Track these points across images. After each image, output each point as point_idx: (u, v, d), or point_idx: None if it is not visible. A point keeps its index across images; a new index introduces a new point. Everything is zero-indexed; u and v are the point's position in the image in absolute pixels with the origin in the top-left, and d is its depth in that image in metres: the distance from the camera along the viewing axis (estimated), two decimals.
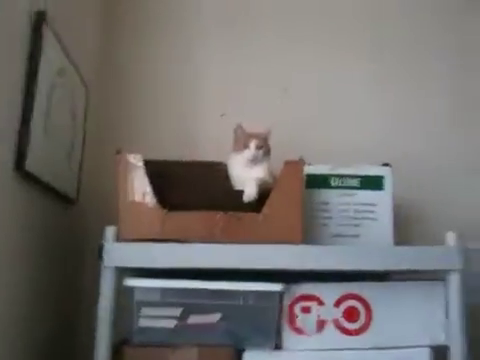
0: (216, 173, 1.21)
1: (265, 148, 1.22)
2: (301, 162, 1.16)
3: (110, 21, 1.66)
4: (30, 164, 1.07)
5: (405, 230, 1.41)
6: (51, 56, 1.17)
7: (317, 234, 1.24)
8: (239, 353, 1.06)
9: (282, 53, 1.68)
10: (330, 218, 1.27)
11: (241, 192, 1.13)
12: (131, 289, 1.04)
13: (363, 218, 1.27)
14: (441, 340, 1.08)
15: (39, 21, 1.11)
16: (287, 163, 1.14)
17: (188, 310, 1.05)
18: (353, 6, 1.72)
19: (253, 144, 1.20)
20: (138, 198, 1.10)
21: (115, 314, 1.03)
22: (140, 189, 1.10)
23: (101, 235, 1.06)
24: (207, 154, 1.45)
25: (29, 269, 1.12)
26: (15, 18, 1.04)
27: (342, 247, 1.13)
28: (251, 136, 1.22)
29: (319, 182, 1.29)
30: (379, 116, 1.65)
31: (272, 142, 1.25)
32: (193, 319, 1.04)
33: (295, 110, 1.63)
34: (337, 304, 1.09)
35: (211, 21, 1.69)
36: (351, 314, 1.09)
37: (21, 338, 1.08)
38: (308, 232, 1.18)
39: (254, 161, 1.20)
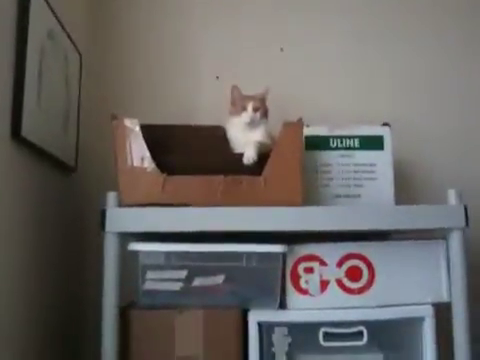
0: (214, 137, 1.20)
1: (262, 110, 1.21)
2: (300, 123, 1.14)
3: None
4: (26, 132, 1.05)
5: (406, 189, 1.41)
6: (40, 17, 1.13)
7: (318, 195, 1.24)
8: (244, 314, 1.07)
9: (278, 14, 1.64)
10: (331, 179, 1.27)
11: (241, 155, 1.12)
12: (136, 253, 1.04)
13: (364, 178, 1.27)
14: (444, 297, 1.10)
15: None
16: (286, 125, 1.12)
17: (193, 272, 1.05)
18: None
19: (250, 106, 1.19)
20: (137, 163, 1.09)
21: (120, 279, 1.03)
22: (138, 154, 1.09)
23: (101, 201, 1.05)
24: (204, 118, 1.45)
25: (30, 238, 1.12)
26: None
27: (342, 208, 1.12)
28: (248, 98, 1.21)
29: (318, 143, 1.29)
30: (378, 76, 1.62)
31: (270, 103, 1.24)
32: (198, 281, 1.05)
33: (292, 70, 1.60)
34: (339, 264, 1.10)
35: None
36: (354, 273, 1.10)
37: (24, 307, 1.08)
38: (309, 193, 1.19)
39: (252, 123, 1.19)
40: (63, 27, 1.29)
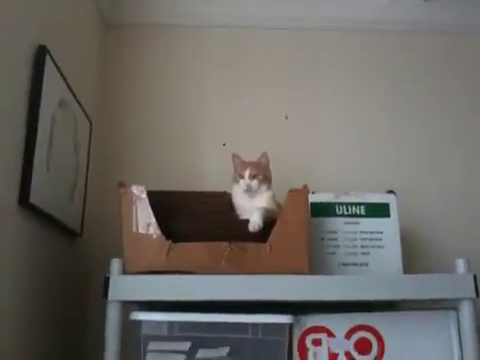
0: (220, 203, 1.20)
1: (261, 176, 1.20)
2: (305, 190, 1.15)
3: (110, 56, 1.68)
4: (34, 198, 1.06)
5: (413, 257, 1.38)
6: (52, 87, 1.17)
7: (325, 263, 1.22)
8: None
9: (283, 82, 1.69)
10: (337, 246, 1.26)
11: (246, 222, 1.12)
12: (138, 323, 1.01)
13: (371, 246, 1.26)
14: None
15: (41, 54, 1.12)
16: (291, 192, 1.13)
17: (196, 344, 1.02)
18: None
19: (247, 173, 1.20)
20: (142, 229, 1.09)
21: (122, 349, 1.00)
22: (144, 220, 1.09)
23: (106, 268, 1.04)
24: (210, 185, 1.46)
25: (34, 303, 1.11)
26: (17, 51, 1.05)
27: (350, 277, 1.10)
28: (245, 165, 1.22)
29: (324, 210, 1.28)
30: (383, 142, 1.65)
31: (275, 170, 1.25)
32: (202, 353, 1.01)
33: (297, 137, 1.63)
34: (348, 336, 1.07)
35: (212, 56, 1.71)
36: (363, 346, 1.06)
37: None
38: (315, 261, 1.17)
39: (249, 190, 1.19)
40: (74, 95, 1.33)
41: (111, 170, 1.56)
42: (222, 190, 1.22)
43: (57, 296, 1.24)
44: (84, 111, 1.41)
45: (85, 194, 1.43)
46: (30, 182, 1.05)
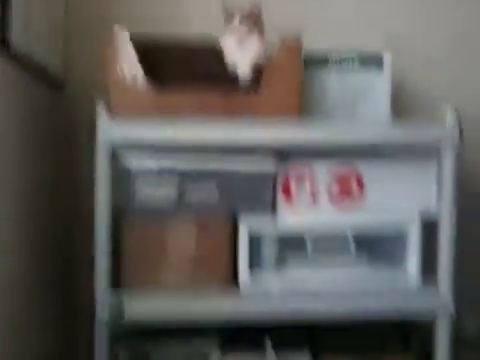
0: (210, 51, 1.17)
1: (252, 23, 1.14)
2: (299, 43, 1.11)
3: None
4: (15, 41, 1.02)
5: (404, 110, 1.39)
6: None
7: (314, 114, 1.22)
8: (236, 224, 1.09)
9: None
10: (328, 100, 1.25)
11: (236, 73, 1.10)
12: (128, 164, 1.04)
13: (361, 98, 1.25)
14: (432, 213, 1.11)
15: None
16: (284, 42, 1.10)
17: (185, 181, 1.06)
18: None
19: (236, 20, 1.14)
20: (128, 77, 1.07)
21: (113, 193, 1.03)
22: (130, 67, 1.07)
23: (93, 114, 1.04)
24: (198, 26, 1.40)
25: (20, 159, 1.10)
26: None
27: (336, 121, 1.14)
28: (235, 11, 1.15)
29: (317, 63, 1.26)
30: None
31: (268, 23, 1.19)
32: (190, 189, 1.06)
33: None
34: (331, 178, 1.11)
35: None
36: (344, 188, 1.11)
37: (17, 233, 1.08)
38: (306, 113, 1.17)
39: (239, 39, 1.14)
40: None
41: (94, 14, 1.46)
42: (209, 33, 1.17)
43: (44, 149, 1.24)
44: None
45: (68, 39, 1.38)
46: (10, 22, 1.01)
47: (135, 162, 1.05)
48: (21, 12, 1.07)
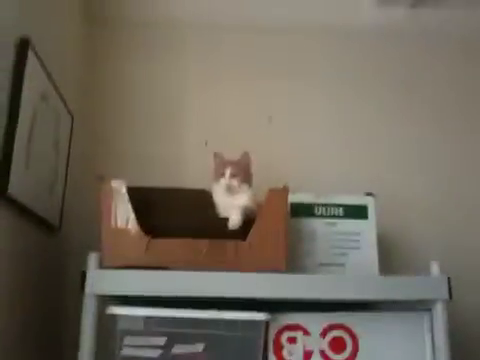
0: (200, 200, 1.20)
1: (242, 175, 1.21)
2: (285, 190, 1.16)
3: (93, 51, 1.67)
4: (13, 189, 1.05)
5: (389, 259, 1.41)
6: (34, 80, 1.16)
7: (302, 263, 1.23)
8: None
9: (266, 82, 1.70)
10: (315, 247, 1.27)
11: (226, 220, 1.12)
12: (114, 317, 1.01)
13: (348, 247, 1.27)
14: None
15: (23, 46, 1.11)
16: (271, 191, 1.14)
17: (172, 339, 1.02)
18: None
19: (228, 172, 1.20)
20: (121, 224, 1.09)
21: (98, 343, 1.00)
22: (123, 216, 1.09)
23: (84, 262, 1.04)
24: (192, 182, 1.45)
25: (10, 295, 1.09)
26: None
27: (326, 276, 1.12)
28: (226, 164, 1.22)
29: (303, 211, 1.30)
30: (363, 144, 1.66)
31: (256, 169, 1.25)
32: (177, 349, 1.02)
33: (278, 138, 1.64)
34: (323, 334, 1.08)
35: (195, 49, 1.71)
36: (337, 344, 1.08)
37: None
38: (293, 261, 1.18)
39: (229, 190, 1.19)
40: (56, 89, 1.32)
41: (92, 165, 1.54)
42: (203, 188, 1.22)
43: (34, 290, 1.22)
44: (66, 105, 1.40)
45: (64, 188, 1.41)
46: (9, 174, 1.04)
47: (122, 319, 1.01)
48: (22, 162, 1.11)
